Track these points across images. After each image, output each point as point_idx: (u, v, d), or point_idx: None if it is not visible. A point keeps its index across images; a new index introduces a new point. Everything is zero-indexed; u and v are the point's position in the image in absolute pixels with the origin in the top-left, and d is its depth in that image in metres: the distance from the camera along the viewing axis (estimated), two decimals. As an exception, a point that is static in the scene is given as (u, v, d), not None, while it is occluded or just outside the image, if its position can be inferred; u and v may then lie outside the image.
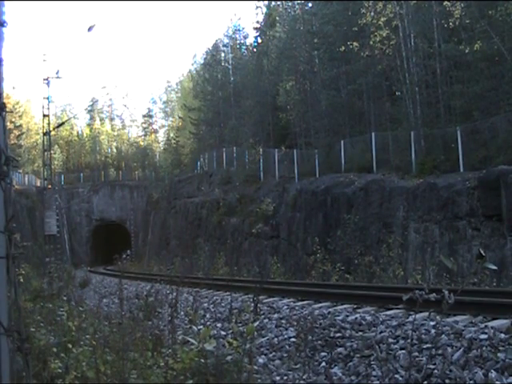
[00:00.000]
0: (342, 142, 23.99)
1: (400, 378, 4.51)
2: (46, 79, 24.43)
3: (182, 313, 9.46)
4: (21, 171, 48.67)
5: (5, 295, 1.93)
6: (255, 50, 44.92)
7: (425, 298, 3.04)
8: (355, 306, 8.07)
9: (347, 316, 6.98)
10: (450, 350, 4.89)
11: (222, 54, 50.63)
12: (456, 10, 22.53)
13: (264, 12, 44.97)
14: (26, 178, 50.46)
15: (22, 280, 10.66)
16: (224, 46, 50.87)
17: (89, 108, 77.35)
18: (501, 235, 13.61)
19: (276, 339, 6.62)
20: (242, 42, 50.42)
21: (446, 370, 4.46)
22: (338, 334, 6.17)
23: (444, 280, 11.48)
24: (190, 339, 3.93)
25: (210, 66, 51.25)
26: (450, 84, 23.01)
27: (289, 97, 33.60)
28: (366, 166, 21.55)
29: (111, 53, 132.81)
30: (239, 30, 50.19)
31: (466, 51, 22.12)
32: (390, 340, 5.55)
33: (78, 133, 77.46)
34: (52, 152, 28.22)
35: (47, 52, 54.44)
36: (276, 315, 7.93)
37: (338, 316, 7.03)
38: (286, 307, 8.52)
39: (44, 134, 24.32)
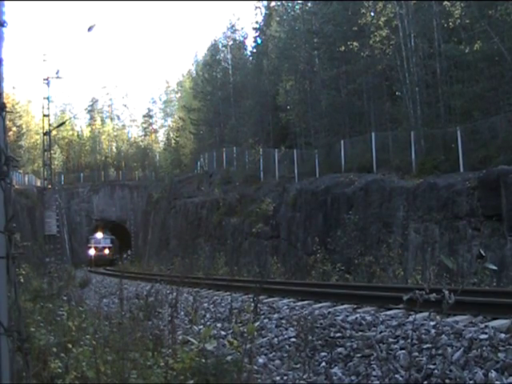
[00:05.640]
0: (342, 141, 23.99)
1: (400, 378, 4.51)
2: (46, 79, 24.44)
3: (182, 313, 9.45)
4: (21, 171, 48.59)
5: (5, 295, 1.93)
6: (255, 50, 44.93)
7: (425, 298, 3.05)
8: (355, 306, 8.06)
9: (347, 316, 6.98)
10: (449, 350, 4.89)
11: (222, 54, 50.63)
12: (456, 9, 22.56)
13: (263, 12, 44.99)
14: (26, 178, 50.40)
15: (22, 280, 10.65)
16: (223, 46, 50.89)
17: (89, 108, 77.40)
18: (501, 235, 13.61)
19: (276, 339, 6.62)
20: (241, 42, 50.42)
21: (446, 369, 4.46)
22: (338, 334, 6.17)
23: (444, 280, 11.46)
24: (190, 339, 3.93)
25: (209, 66, 51.27)
26: (449, 84, 23.00)
27: (289, 97, 33.60)
28: (366, 165, 21.55)
29: (111, 53, 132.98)
30: (237, 30, 50.24)
31: (466, 51, 22.14)
32: (390, 340, 5.55)
33: (78, 133, 77.45)
34: (52, 152, 28.22)
35: (47, 52, 54.47)
36: (276, 315, 7.92)
37: (338, 316, 7.03)
38: (286, 307, 8.52)
39: (44, 134, 24.33)
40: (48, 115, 24.75)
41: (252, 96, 38.83)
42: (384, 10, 25.40)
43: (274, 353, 6.19)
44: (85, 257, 46.83)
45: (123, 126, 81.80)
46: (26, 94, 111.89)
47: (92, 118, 79.87)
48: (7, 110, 2.03)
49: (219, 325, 8.09)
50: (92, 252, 45.89)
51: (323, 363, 5.48)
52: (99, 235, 48.45)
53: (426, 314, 5.97)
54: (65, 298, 9.71)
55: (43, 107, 24.71)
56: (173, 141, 61.17)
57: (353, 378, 4.96)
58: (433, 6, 23.70)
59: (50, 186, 24.96)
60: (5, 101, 2.07)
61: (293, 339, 6.36)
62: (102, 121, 80.00)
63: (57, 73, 24.39)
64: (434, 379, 4.40)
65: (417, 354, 4.96)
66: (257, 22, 44.49)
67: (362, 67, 27.28)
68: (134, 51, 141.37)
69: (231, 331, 6.88)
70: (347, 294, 9.05)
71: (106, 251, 45.99)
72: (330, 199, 20.17)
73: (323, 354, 5.72)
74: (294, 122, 32.85)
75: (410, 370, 4.12)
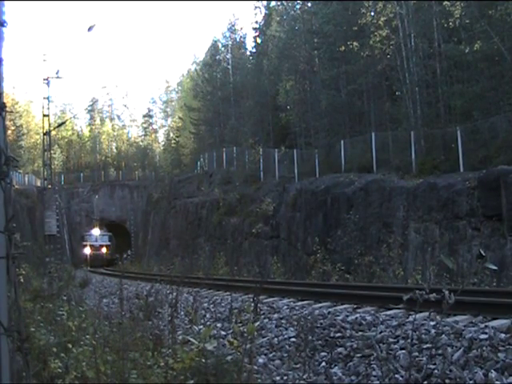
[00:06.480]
0: (342, 141, 23.99)
1: (400, 378, 4.50)
2: (46, 79, 24.40)
3: (182, 313, 9.45)
4: (21, 171, 48.56)
5: (5, 295, 1.93)
6: (255, 50, 44.96)
7: (425, 298, 3.04)
8: (355, 306, 8.06)
9: (347, 316, 6.98)
10: (450, 349, 4.89)
11: (222, 54, 50.65)
12: (456, 9, 22.54)
13: (263, 12, 45.01)
14: (26, 178, 50.37)
15: (22, 280, 10.65)
16: (223, 46, 50.90)
17: (89, 108, 77.41)
18: (501, 235, 13.61)
19: (276, 339, 6.62)
20: (242, 42, 50.45)
21: (446, 369, 4.46)
22: (338, 334, 6.17)
23: (444, 280, 11.47)
24: (190, 339, 3.93)
25: (209, 66, 51.29)
26: (450, 84, 23.01)
27: (289, 97, 33.60)
28: (366, 165, 21.55)
29: (111, 53, 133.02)
30: (236, 30, 50.21)
31: (466, 51, 22.14)
32: (390, 340, 5.55)
33: (78, 133, 77.50)
34: (52, 152, 28.21)
35: (47, 52, 54.36)
36: (276, 315, 7.92)
37: (338, 316, 7.03)
38: (286, 307, 8.51)
39: (44, 134, 24.30)
40: (48, 115, 24.70)
41: (252, 96, 38.84)
42: (384, 10, 25.39)
43: (274, 353, 6.18)
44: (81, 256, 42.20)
45: (123, 125, 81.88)
46: (26, 94, 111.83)
47: (92, 117, 79.91)
48: (7, 109, 2.03)
49: (219, 325, 8.09)
50: (88, 251, 40.13)
51: (323, 363, 5.47)
52: (96, 232, 43.35)
53: (426, 314, 5.97)
54: (65, 297, 9.71)
55: (43, 107, 24.66)
56: (173, 141, 61.17)
57: (353, 377, 4.95)
58: (433, 5, 23.70)
59: (49, 186, 24.92)
60: (5, 101, 2.07)
61: (293, 339, 6.36)
62: (102, 121, 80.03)
63: (57, 73, 24.33)
64: (434, 379, 4.40)
65: (417, 353, 4.95)
66: (257, 22, 44.54)
67: (362, 67, 27.29)
68: (133, 51, 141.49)
69: (231, 331, 6.87)
70: (347, 294, 9.04)
71: (104, 250, 41.04)
72: (330, 199, 20.17)
73: (323, 353, 5.72)
74: (294, 122, 32.86)
75: (410, 370, 4.12)
